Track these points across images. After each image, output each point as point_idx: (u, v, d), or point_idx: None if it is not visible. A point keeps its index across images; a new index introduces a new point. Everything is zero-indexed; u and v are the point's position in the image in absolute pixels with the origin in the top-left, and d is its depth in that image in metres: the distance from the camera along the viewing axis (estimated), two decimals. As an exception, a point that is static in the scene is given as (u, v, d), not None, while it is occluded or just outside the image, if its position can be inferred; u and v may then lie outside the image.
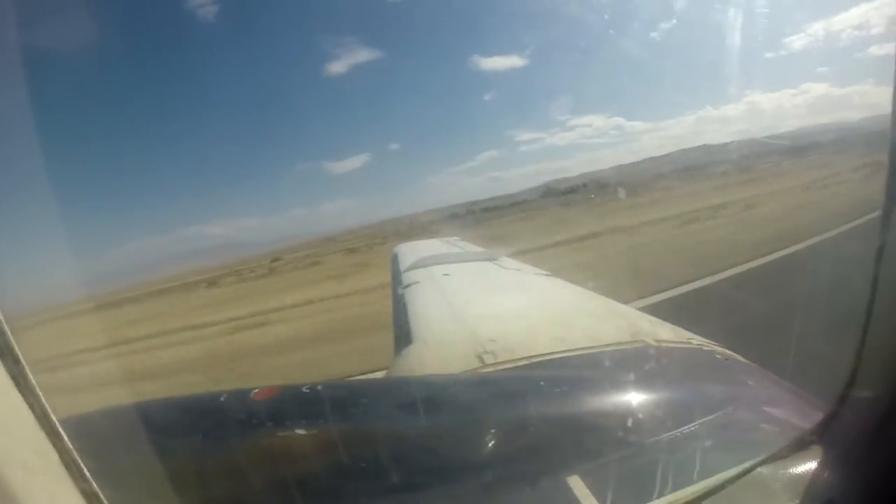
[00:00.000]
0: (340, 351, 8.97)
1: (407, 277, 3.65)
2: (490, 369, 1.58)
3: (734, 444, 1.14)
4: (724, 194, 23.43)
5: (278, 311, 15.36)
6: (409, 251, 5.08)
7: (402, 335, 2.38)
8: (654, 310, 2.34)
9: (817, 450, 1.02)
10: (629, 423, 1.21)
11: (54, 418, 0.75)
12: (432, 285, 3.28)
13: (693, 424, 1.16)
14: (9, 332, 0.73)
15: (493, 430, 1.20)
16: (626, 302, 3.04)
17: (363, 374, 6.34)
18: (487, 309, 2.54)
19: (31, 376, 0.74)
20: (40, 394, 0.75)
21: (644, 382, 1.40)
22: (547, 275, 3.46)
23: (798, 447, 1.04)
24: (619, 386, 1.39)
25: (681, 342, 1.75)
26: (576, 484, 1.02)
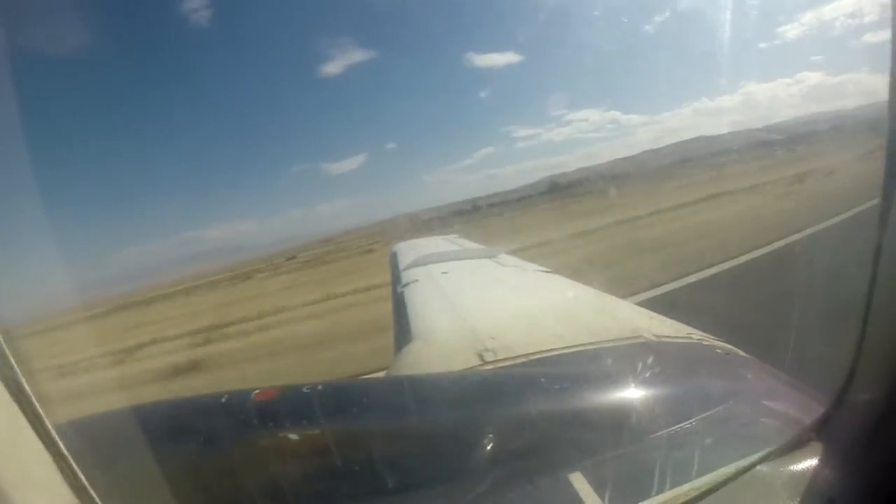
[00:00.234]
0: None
1: (406, 276, 3.66)
2: (491, 367, 1.58)
3: (734, 440, 1.14)
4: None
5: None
6: (409, 249, 5.08)
7: (402, 334, 2.38)
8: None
9: (817, 447, 1.01)
10: (630, 419, 1.21)
11: (49, 423, 0.75)
12: (432, 283, 3.29)
13: (693, 420, 1.16)
14: (1, 339, 0.73)
15: (494, 428, 1.19)
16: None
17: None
18: (487, 307, 2.54)
19: (24, 381, 0.74)
20: (34, 399, 0.74)
21: (644, 378, 1.39)
22: (546, 271, 3.46)
23: (798, 444, 1.04)
24: (620, 382, 1.38)
25: (681, 337, 1.75)
26: (577, 480, 1.02)
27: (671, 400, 1.30)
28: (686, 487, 0.97)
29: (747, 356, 1.60)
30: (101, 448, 0.98)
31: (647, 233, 16.15)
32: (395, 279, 3.82)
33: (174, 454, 1.11)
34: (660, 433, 1.14)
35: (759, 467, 1.01)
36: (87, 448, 0.81)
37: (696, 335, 1.76)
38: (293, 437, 1.15)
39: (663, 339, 1.70)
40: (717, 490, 0.97)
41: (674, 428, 1.14)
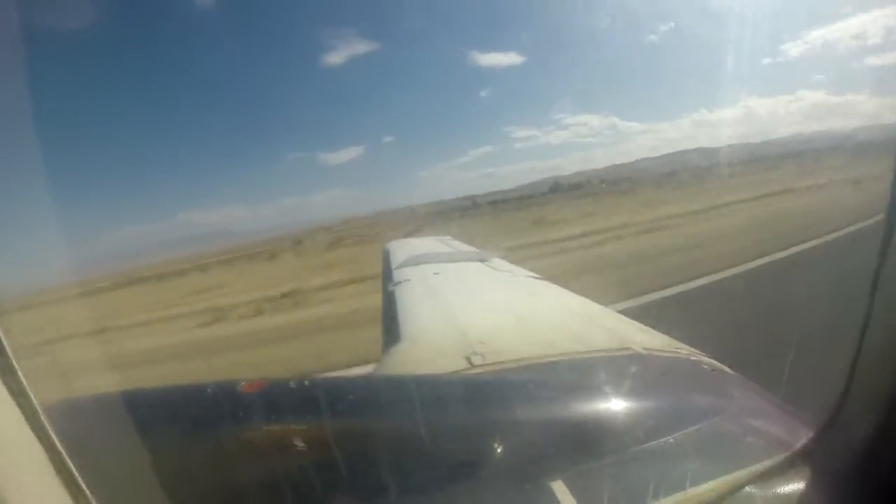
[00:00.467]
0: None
1: (398, 275, 3.65)
2: (478, 371, 1.58)
3: (717, 458, 1.14)
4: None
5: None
6: (401, 248, 5.06)
7: (391, 333, 2.38)
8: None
9: (806, 471, 1.01)
10: (615, 431, 1.22)
11: (36, 403, 0.75)
12: (423, 284, 3.28)
13: (677, 435, 1.17)
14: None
15: (478, 434, 1.20)
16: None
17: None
18: (477, 310, 2.54)
19: (14, 363, 0.74)
20: (23, 380, 0.74)
21: (630, 391, 1.40)
22: (537, 278, 3.46)
23: (787, 467, 1.04)
24: (607, 393, 1.39)
25: (669, 352, 1.75)
26: (560, 490, 1.02)
27: (656, 413, 1.30)
28: (668, 502, 0.98)
29: (735, 374, 1.61)
30: (85, 432, 0.98)
31: (639, 241, 16.26)
32: (387, 277, 3.81)
33: (157, 442, 1.10)
34: (643, 446, 1.14)
35: (746, 489, 1.01)
36: (71, 432, 0.81)
37: (685, 350, 1.76)
38: (277, 430, 1.15)
39: (652, 353, 1.71)
40: None
41: (657, 442, 1.15)
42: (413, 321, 2.40)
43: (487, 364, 1.61)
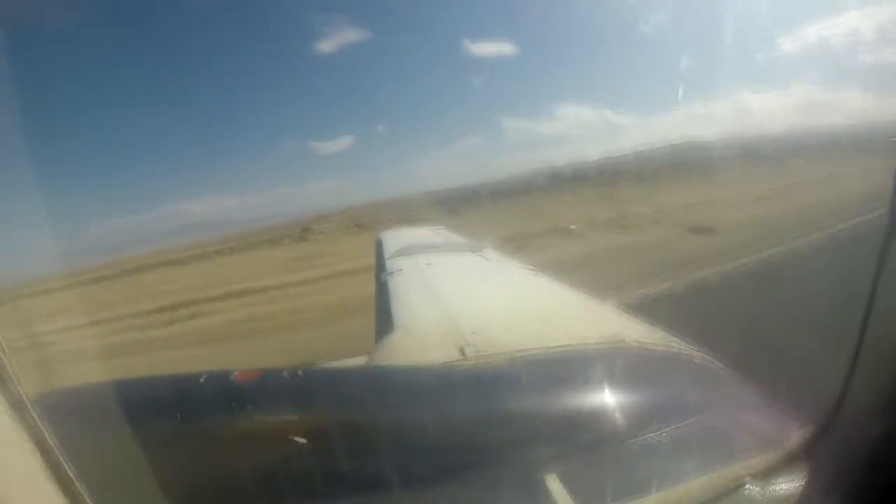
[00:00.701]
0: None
1: (391, 265, 3.63)
2: (471, 362, 1.59)
3: (707, 451, 1.16)
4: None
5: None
6: (394, 238, 5.02)
7: (384, 323, 2.38)
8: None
9: (804, 467, 1.02)
10: (606, 422, 1.23)
11: (23, 391, 0.75)
12: (416, 274, 3.27)
13: (668, 428, 1.18)
14: None
15: (470, 424, 1.21)
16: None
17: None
18: (470, 301, 2.53)
19: (2, 355, 0.73)
20: (11, 371, 0.74)
21: (621, 383, 1.40)
22: (530, 269, 3.46)
23: (784, 464, 1.04)
24: (598, 385, 1.40)
25: (661, 345, 1.76)
26: (550, 480, 1.03)
27: (647, 406, 1.31)
28: (658, 496, 0.99)
29: (725, 368, 1.62)
30: (77, 420, 0.98)
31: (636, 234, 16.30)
32: (380, 267, 3.80)
33: (151, 431, 1.10)
34: (634, 439, 1.16)
35: (744, 486, 1.01)
36: (61, 420, 0.81)
37: (678, 344, 1.77)
38: (270, 419, 1.16)
39: (644, 346, 1.71)
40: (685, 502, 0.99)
41: (648, 434, 1.16)
42: (406, 311, 2.40)
43: (480, 355, 1.62)
